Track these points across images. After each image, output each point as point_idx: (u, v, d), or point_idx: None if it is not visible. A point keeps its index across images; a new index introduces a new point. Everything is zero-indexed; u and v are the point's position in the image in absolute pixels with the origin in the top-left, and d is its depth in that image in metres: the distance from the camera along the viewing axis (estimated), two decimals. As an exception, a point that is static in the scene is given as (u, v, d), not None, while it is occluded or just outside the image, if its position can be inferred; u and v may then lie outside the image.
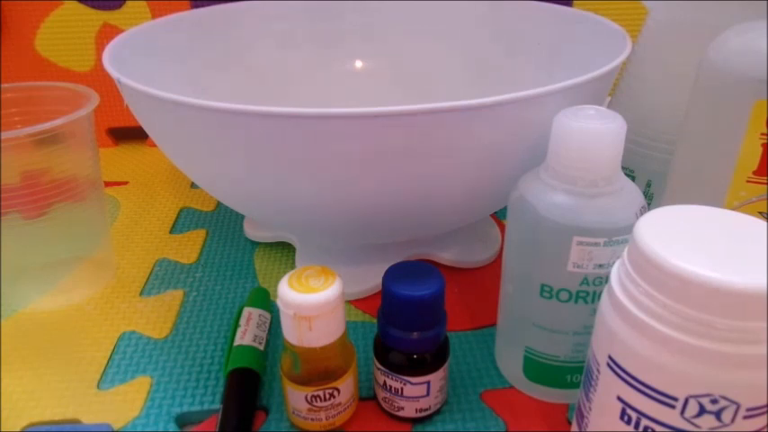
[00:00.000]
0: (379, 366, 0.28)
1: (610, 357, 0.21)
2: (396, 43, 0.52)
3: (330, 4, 0.51)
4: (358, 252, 0.40)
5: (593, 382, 0.23)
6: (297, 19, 0.50)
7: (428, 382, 0.28)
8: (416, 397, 0.28)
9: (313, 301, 0.25)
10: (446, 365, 0.28)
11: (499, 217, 0.46)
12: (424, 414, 0.29)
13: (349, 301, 0.37)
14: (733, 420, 0.19)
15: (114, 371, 0.33)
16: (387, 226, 0.33)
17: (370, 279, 0.38)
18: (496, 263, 0.41)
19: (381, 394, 0.29)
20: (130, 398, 0.31)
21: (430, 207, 0.32)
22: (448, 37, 0.50)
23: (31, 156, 0.33)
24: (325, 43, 0.51)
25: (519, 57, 0.46)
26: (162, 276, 0.40)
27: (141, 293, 0.39)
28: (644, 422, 0.21)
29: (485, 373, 0.32)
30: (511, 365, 0.31)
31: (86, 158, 0.36)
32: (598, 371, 0.22)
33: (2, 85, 0.37)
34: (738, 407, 0.19)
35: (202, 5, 0.48)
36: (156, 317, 0.37)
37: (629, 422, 0.21)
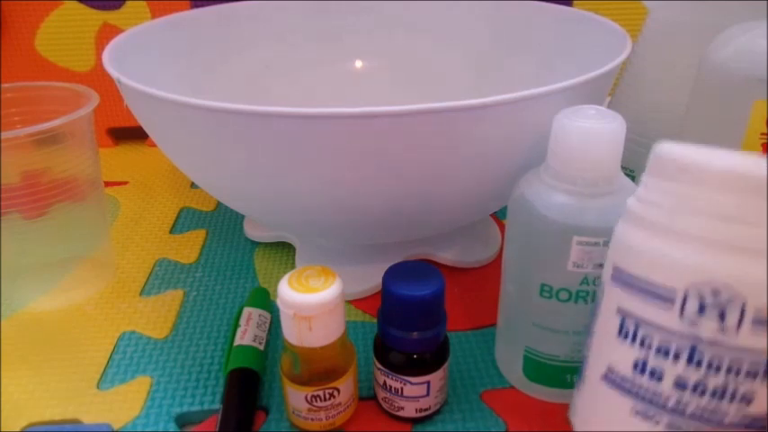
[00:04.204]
0: (379, 366, 0.28)
1: (614, 267, 0.21)
2: (396, 43, 0.52)
3: (330, 4, 0.51)
4: (358, 252, 0.40)
5: (595, 313, 0.22)
6: (297, 19, 0.50)
7: (428, 382, 0.28)
8: (416, 397, 0.28)
9: (313, 301, 0.25)
10: (446, 365, 0.28)
11: (499, 217, 0.46)
12: (424, 414, 0.29)
13: (349, 301, 0.37)
14: (739, 326, 0.18)
15: (114, 371, 0.33)
16: (387, 226, 0.33)
17: (370, 279, 0.38)
18: (496, 263, 0.41)
19: (381, 394, 0.29)
20: (130, 398, 0.31)
21: (430, 207, 0.32)
22: (448, 37, 0.50)
23: (31, 156, 0.33)
24: (325, 43, 0.51)
25: (519, 57, 0.46)
26: (162, 276, 0.40)
27: (141, 293, 0.39)
28: (642, 330, 0.20)
29: (485, 373, 0.32)
30: (511, 365, 0.31)
31: (86, 158, 0.36)
32: (602, 293, 0.21)
33: (2, 85, 0.37)
34: (744, 305, 0.18)
35: (202, 5, 0.47)
36: (156, 317, 0.37)
37: (626, 336, 0.20)
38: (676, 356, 0.19)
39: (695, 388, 0.19)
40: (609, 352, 0.21)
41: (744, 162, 0.18)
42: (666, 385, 0.19)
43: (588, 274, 0.25)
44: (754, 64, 0.25)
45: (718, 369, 0.18)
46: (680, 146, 0.19)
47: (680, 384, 0.19)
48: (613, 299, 0.21)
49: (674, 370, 0.19)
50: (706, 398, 0.19)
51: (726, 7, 0.30)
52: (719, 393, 0.19)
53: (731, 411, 0.19)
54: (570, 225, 0.25)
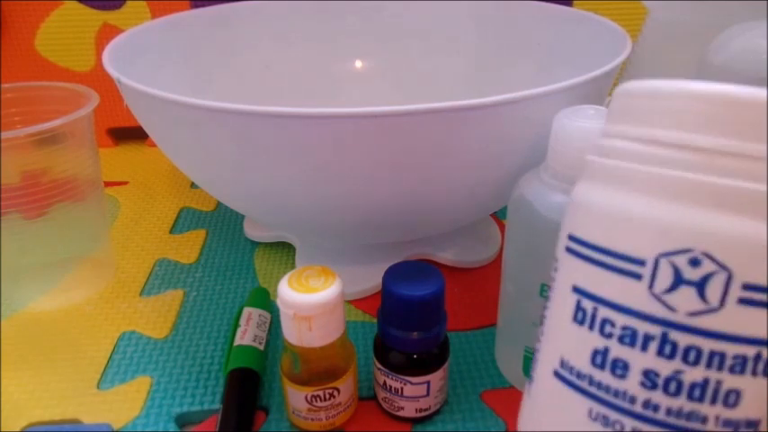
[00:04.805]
0: (380, 366, 0.28)
1: (569, 236, 0.17)
2: (396, 43, 0.52)
3: (330, 5, 0.51)
4: (358, 252, 0.40)
5: (548, 303, 0.19)
6: (297, 19, 0.50)
7: (428, 382, 0.28)
8: (416, 397, 0.28)
9: (313, 301, 0.25)
10: (446, 365, 0.28)
11: (499, 217, 0.46)
12: (424, 414, 0.29)
13: (349, 301, 0.37)
14: (723, 302, 0.14)
15: (114, 371, 0.33)
16: (386, 226, 0.33)
17: (370, 279, 0.38)
18: (496, 263, 0.41)
19: (381, 394, 0.29)
20: (130, 398, 0.31)
21: (430, 207, 0.32)
22: (448, 37, 0.50)
23: (31, 156, 0.33)
24: (325, 43, 0.51)
25: (519, 57, 0.46)
26: (162, 276, 0.40)
27: (141, 293, 0.39)
28: (602, 313, 0.16)
29: (485, 373, 0.32)
30: (511, 365, 0.31)
31: (86, 158, 0.36)
32: (556, 271, 0.18)
33: (2, 85, 0.37)
34: (730, 277, 0.14)
35: (202, 5, 0.48)
36: (156, 317, 0.36)
37: (582, 321, 0.16)
38: (644, 345, 0.15)
39: (667, 385, 0.15)
40: (562, 342, 0.17)
41: (730, 88, 0.13)
42: (632, 382, 0.15)
43: (588, 274, 0.25)
44: (754, 64, 0.25)
45: (696, 361, 0.14)
46: (644, 81, 0.16)
47: (648, 380, 0.15)
48: (568, 275, 0.17)
49: (641, 362, 0.15)
50: (681, 398, 0.15)
51: (726, 7, 0.30)
52: (698, 392, 0.15)
53: (712, 415, 0.15)
54: (570, 225, 0.25)
